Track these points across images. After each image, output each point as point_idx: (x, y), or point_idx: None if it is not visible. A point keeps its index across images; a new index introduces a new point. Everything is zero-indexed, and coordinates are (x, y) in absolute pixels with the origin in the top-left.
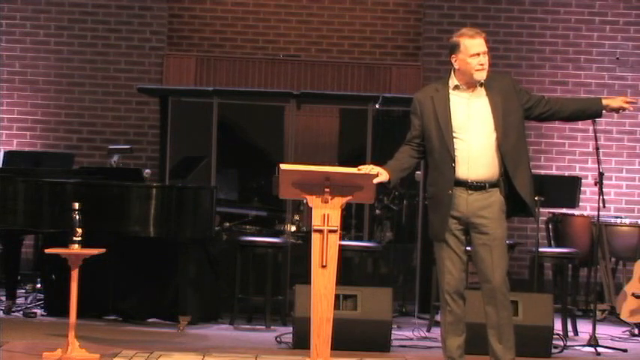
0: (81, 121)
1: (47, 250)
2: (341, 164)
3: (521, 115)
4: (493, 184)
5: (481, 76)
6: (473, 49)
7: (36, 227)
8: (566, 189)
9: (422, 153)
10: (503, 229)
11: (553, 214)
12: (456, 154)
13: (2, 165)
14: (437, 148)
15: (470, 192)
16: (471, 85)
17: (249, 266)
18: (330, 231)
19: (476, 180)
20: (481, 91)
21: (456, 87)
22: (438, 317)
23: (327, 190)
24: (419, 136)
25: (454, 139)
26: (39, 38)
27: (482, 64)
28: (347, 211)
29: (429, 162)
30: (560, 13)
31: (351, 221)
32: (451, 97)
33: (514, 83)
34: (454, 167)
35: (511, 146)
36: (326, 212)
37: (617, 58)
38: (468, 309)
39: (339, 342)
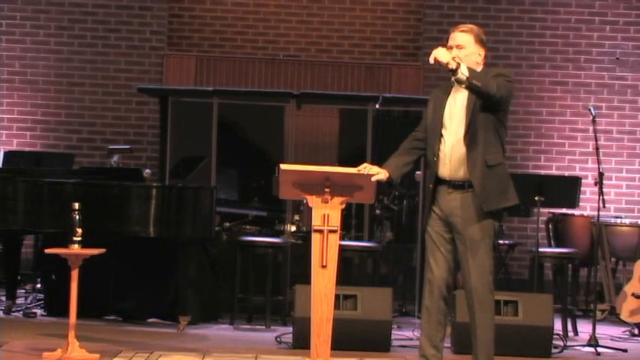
0: (81, 121)
1: (47, 250)
2: (341, 164)
3: (493, 109)
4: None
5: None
6: (449, 42)
7: (36, 227)
8: (566, 189)
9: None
10: (481, 230)
11: (553, 214)
12: (439, 149)
13: (2, 165)
14: (428, 143)
15: (449, 190)
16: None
17: (249, 266)
18: (330, 231)
19: (452, 178)
20: None
21: (455, 84)
22: None
23: (327, 190)
24: (427, 127)
25: (441, 137)
26: (39, 38)
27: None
28: (347, 211)
29: None
30: (560, 13)
31: (351, 221)
32: (450, 94)
33: (495, 73)
34: (437, 163)
35: (471, 140)
36: (326, 212)
37: (617, 58)
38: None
39: (339, 342)
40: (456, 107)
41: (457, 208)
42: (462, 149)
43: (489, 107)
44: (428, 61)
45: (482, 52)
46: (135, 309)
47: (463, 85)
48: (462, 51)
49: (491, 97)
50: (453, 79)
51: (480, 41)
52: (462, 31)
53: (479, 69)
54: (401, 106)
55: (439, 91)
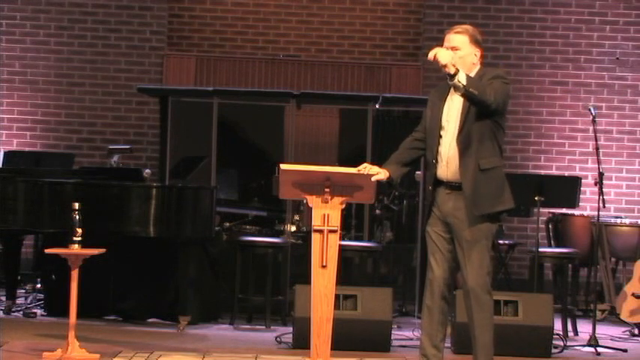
0: (81, 121)
1: (47, 250)
2: (341, 164)
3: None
4: None
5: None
6: (444, 44)
7: (36, 227)
8: (566, 189)
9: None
10: (478, 232)
11: (553, 214)
12: (438, 150)
13: (2, 165)
14: (427, 145)
15: (447, 192)
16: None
17: (249, 266)
18: (330, 231)
19: (450, 180)
20: None
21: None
22: None
23: (327, 190)
24: (426, 127)
25: (439, 138)
26: (39, 38)
27: None
28: (347, 211)
29: None
30: (560, 13)
31: (351, 221)
32: (449, 95)
33: (491, 76)
34: (436, 165)
35: (465, 143)
36: (326, 212)
37: (617, 58)
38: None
39: (339, 342)
40: (454, 109)
41: (454, 209)
42: (458, 151)
43: (486, 114)
44: (428, 60)
45: (479, 53)
46: (135, 309)
47: (459, 92)
48: (458, 52)
49: (488, 106)
50: (450, 83)
51: (476, 42)
52: (457, 32)
53: (475, 69)
54: (401, 106)
55: (438, 91)
